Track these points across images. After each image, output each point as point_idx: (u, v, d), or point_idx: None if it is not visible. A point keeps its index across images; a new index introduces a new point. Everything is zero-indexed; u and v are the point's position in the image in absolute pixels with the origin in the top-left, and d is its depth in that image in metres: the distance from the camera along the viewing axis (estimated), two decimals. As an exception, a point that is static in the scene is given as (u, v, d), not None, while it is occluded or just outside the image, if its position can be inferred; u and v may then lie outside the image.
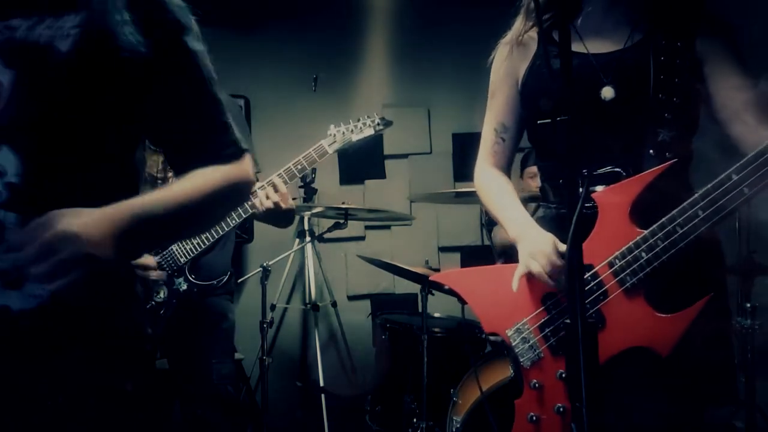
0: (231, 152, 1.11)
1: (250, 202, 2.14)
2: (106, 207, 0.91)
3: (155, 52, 0.99)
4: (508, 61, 1.61)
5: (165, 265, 2.17)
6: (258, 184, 2.15)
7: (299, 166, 2.19)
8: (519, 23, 1.60)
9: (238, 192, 1.14)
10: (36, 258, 0.83)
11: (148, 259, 2.12)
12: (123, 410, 0.99)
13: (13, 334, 0.90)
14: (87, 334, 0.96)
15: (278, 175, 2.15)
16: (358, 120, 2.35)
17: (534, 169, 3.21)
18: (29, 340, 0.92)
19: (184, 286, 2.19)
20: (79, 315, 0.93)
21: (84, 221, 0.87)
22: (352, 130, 2.32)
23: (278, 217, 2.14)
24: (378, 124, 2.36)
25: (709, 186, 1.28)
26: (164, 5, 1.03)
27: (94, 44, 0.94)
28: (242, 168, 1.13)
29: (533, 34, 1.58)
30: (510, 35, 1.62)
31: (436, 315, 3.20)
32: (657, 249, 1.33)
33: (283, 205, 2.10)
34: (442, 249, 4.28)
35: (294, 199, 2.16)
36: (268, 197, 2.10)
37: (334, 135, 2.29)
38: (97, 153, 0.99)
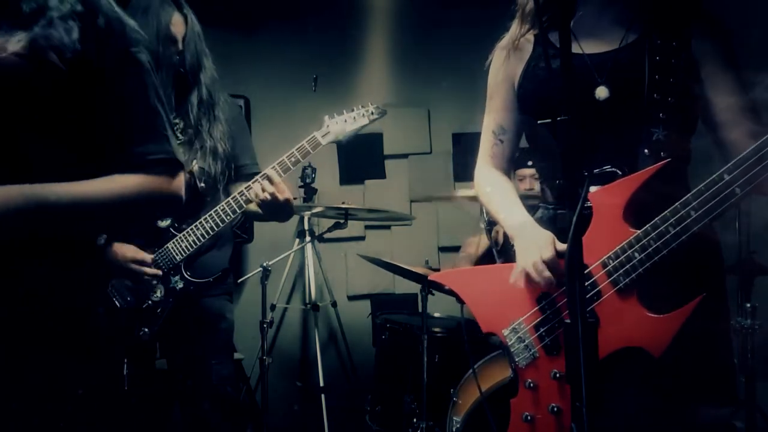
0: (161, 162, 1.14)
1: (244, 198, 2.14)
2: (4, 186, 0.97)
3: (100, 59, 1.05)
4: (505, 64, 1.62)
5: (161, 263, 2.17)
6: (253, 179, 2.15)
7: (293, 159, 2.17)
8: (515, 27, 1.61)
9: (151, 202, 1.16)
10: None
11: (144, 255, 2.13)
12: (71, 414, 1.01)
13: None
14: (44, 335, 0.99)
15: (272, 167, 2.15)
16: (352, 110, 2.31)
17: (524, 171, 3.22)
18: None
19: (181, 284, 2.19)
20: (37, 316, 0.97)
21: None
22: (345, 120, 2.28)
23: (276, 210, 2.12)
24: (372, 113, 2.32)
25: (701, 186, 1.28)
26: (111, 21, 1.08)
27: (41, 48, 1.00)
28: (167, 181, 1.15)
29: (529, 36, 1.59)
30: (506, 39, 1.63)
31: (436, 315, 3.20)
32: (650, 249, 1.33)
33: (279, 197, 2.08)
34: (442, 249, 4.28)
35: (294, 198, 2.15)
36: (264, 189, 2.08)
37: (328, 126, 2.26)
38: (40, 164, 1.05)
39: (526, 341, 1.49)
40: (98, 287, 1.14)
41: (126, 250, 2.11)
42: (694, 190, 1.29)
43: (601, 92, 1.43)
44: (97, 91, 1.06)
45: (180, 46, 2.14)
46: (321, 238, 3.75)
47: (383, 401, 3.04)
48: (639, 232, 1.35)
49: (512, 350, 1.50)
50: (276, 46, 4.28)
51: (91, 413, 1.04)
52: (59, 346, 1.00)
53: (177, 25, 2.14)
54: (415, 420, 2.76)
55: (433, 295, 2.92)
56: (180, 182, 1.18)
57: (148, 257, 2.13)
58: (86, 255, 1.14)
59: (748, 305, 2.74)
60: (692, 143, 1.49)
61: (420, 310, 2.87)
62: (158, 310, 2.18)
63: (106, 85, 1.07)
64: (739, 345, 2.73)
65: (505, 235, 3.30)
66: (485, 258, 3.56)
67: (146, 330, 2.15)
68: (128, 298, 2.17)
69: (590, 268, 1.40)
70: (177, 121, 2.21)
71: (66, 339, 1.02)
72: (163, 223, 2.19)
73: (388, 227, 4.32)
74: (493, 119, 1.68)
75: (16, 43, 0.99)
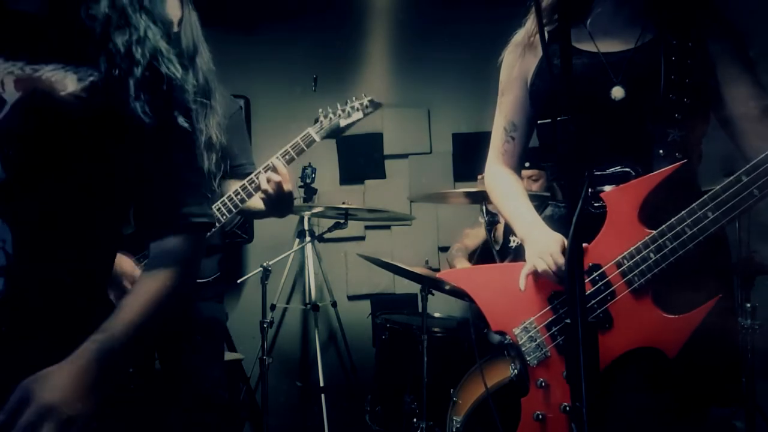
0: (204, 226, 1.16)
1: (239, 197, 2.12)
2: (72, 360, 0.94)
3: (157, 126, 1.04)
4: (519, 61, 1.61)
5: None
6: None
7: (287, 157, 2.15)
8: (530, 23, 1.59)
9: (192, 268, 1.17)
10: None
11: (130, 265, 2.07)
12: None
13: None
14: (50, 337, 1.00)
15: (276, 157, 2.11)
16: (346, 103, 2.25)
17: (528, 171, 3.22)
18: None
19: None
20: (44, 319, 0.98)
21: (57, 386, 0.91)
22: (339, 115, 2.22)
23: (279, 202, 2.08)
24: (367, 107, 2.25)
25: (718, 188, 1.28)
26: (173, 83, 1.08)
27: (102, 96, 1.00)
28: (201, 241, 1.16)
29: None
30: (521, 35, 1.62)
31: (436, 315, 3.20)
32: (665, 250, 1.33)
33: (285, 187, 2.03)
34: (442, 249, 4.28)
35: (294, 198, 2.14)
36: (269, 180, 2.05)
37: (321, 122, 2.20)
38: (87, 216, 1.05)
39: (538, 340, 1.49)
40: (106, 287, 1.15)
41: (125, 265, 2.06)
42: (711, 192, 1.29)
43: (617, 92, 1.42)
44: (147, 148, 1.06)
45: (176, 28, 2.10)
46: (321, 238, 3.75)
47: (383, 401, 3.04)
48: (655, 232, 1.35)
49: (523, 349, 1.50)
50: (276, 46, 4.28)
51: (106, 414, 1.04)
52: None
53: (173, 7, 2.08)
54: (415, 420, 2.76)
55: (433, 295, 2.92)
56: (200, 241, 1.19)
57: (136, 271, 2.07)
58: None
59: (748, 305, 2.74)
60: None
61: (420, 310, 2.87)
62: None
63: (158, 144, 1.07)
64: (739, 345, 2.72)
65: (505, 234, 3.32)
66: (481, 251, 3.57)
67: None
68: None
69: (604, 267, 1.41)
70: None
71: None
72: None
73: (388, 227, 4.32)
74: (505, 116, 1.67)
75: (76, 82, 0.99)
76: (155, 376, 2.32)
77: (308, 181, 3.82)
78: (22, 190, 0.97)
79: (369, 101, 2.27)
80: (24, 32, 1.01)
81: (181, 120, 1.07)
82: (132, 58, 1.02)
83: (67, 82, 0.99)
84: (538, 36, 1.57)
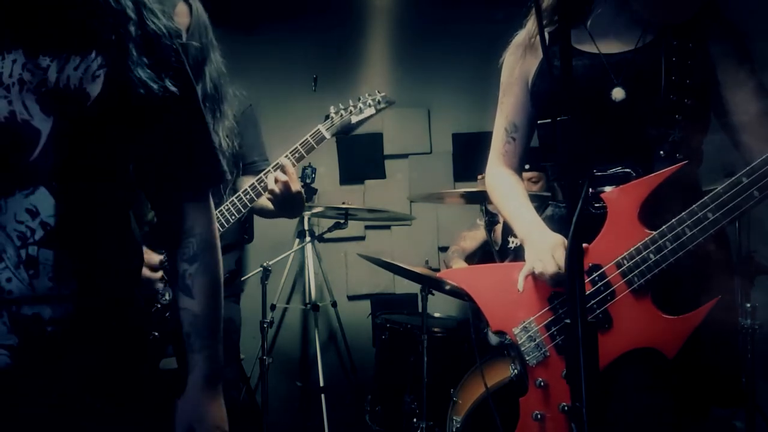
0: (216, 176, 1.19)
1: (248, 197, 2.11)
2: (205, 393, 1.13)
3: (165, 91, 1.05)
4: (520, 62, 1.61)
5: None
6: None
7: (297, 155, 2.12)
8: (531, 24, 1.59)
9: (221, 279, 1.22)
10: None
11: (153, 257, 2.09)
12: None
13: (42, 339, 0.95)
14: (94, 337, 1.01)
15: (285, 156, 2.08)
16: (359, 99, 2.20)
17: (528, 173, 3.22)
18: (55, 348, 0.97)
19: None
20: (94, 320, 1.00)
21: (214, 415, 1.12)
22: (351, 111, 2.17)
23: (288, 202, 2.05)
24: (379, 102, 2.19)
25: (719, 188, 1.28)
26: (177, 53, 1.09)
27: (117, 84, 0.99)
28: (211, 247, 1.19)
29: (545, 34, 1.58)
30: (522, 36, 1.62)
31: (436, 315, 3.21)
32: (665, 251, 1.33)
33: (293, 187, 2.01)
34: (442, 249, 4.28)
35: (304, 197, 2.12)
36: (277, 180, 2.02)
37: (332, 118, 2.16)
38: (115, 187, 1.06)
39: (537, 340, 1.49)
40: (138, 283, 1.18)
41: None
42: (712, 193, 1.29)
43: (618, 93, 1.43)
44: (158, 117, 1.07)
45: (184, 37, 2.08)
46: (321, 238, 3.75)
47: (383, 401, 3.04)
48: (655, 233, 1.35)
49: (522, 349, 1.50)
50: (276, 46, 4.28)
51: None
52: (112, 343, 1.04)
53: (181, 15, 2.07)
54: (415, 420, 2.76)
55: (433, 295, 2.92)
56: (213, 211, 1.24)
57: (156, 258, 2.08)
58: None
59: (748, 305, 2.74)
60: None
61: (420, 310, 2.87)
62: (167, 314, 2.16)
63: (174, 114, 1.08)
64: (739, 345, 2.72)
65: (503, 235, 3.32)
66: (479, 253, 3.57)
67: (156, 334, 2.12)
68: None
69: (604, 268, 1.41)
70: None
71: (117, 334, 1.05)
72: None
73: (388, 227, 4.32)
74: (506, 117, 1.67)
75: (91, 80, 0.97)
76: (161, 376, 2.32)
77: (308, 181, 3.81)
78: (73, 218, 0.97)
79: (382, 97, 2.22)
80: (14, 17, 0.96)
81: (169, 83, 1.06)
82: (124, 15, 1.01)
83: (87, 86, 0.97)
84: (538, 37, 1.57)
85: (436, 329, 2.93)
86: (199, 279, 1.14)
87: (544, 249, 1.44)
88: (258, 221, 3.81)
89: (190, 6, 2.10)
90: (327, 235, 3.54)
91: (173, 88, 1.05)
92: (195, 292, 1.14)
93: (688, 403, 1.39)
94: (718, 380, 1.42)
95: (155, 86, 1.02)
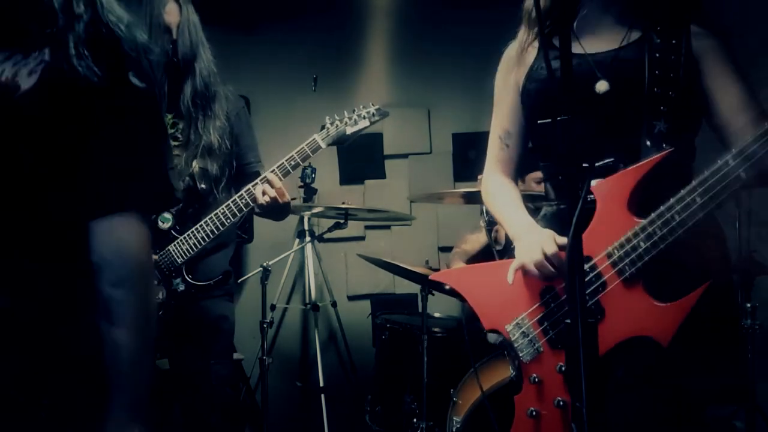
0: (163, 192, 1.12)
1: (244, 201, 2.13)
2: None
3: (106, 83, 1.00)
4: (513, 71, 1.64)
5: (162, 265, 2.16)
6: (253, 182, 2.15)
7: (293, 162, 2.16)
8: (522, 34, 1.62)
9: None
10: None
11: None
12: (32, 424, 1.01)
13: None
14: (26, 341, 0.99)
15: (272, 171, 2.15)
16: (353, 111, 2.26)
17: (536, 174, 3.21)
18: None
19: (182, 287, 2.17)
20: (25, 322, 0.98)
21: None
22: (346, 123, 2.23)
23: (275, 211, 2.15)
24: (374, 115, 2.26)
25: (706, 173, 1.29)
26: (119, 44, 1.04)
27: (56, 77, 0.97)
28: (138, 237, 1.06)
29: (535, 44, 1.60)
30: (514, 47, 1.64)
31: (436, 315, 3.20)
32: (655, 238, 1.33)
33: (280, 200, 2.09)
34: (442, 249, 4.28)
35: (293, 198, 2.16)
36: (264, 193, 2.09)
37: (328, 129, 2.22)
38: (49, 184, 1.01)
39: (530, 336, 1.49)
40: None
41: None
42: (699, 177, 1.30)
43: (601, 86, 1.44)
44: (100, 111, 1.01)
45: (174, 35, 2.11)
46: (321, 238, 3.75)
47: (383, 401, 3.04)
48: (644, 221, 1.35)
49: (516, 345, 1.50)
50: (276, 46, 4.28)
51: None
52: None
53: (171, 14, 2.10)
54: (415, 420, 2.76)
55: (433, 295, 2.92)
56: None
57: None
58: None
59: (748, 305, 2.74)
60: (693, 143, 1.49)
61: (420, 310, 2.87)
62: (159, 313, 2.17)
63: (112, 105, 1.02)
64: (739, 336, 2.72)
65: (506, 234, 3.31)
66: (481, 256, 3.57)
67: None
68: None
69: (595, 259, 1.41)
70: (169, 115, 2.19)
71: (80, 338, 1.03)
72: (164, 225, 2.17)
73: (388, 227, 4.32)
74: (499, 124, 1.70)
75: (27, 77, 0.95)
76: (162, 374, 2.33)
77: (308, 181, 3.81)
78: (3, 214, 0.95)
79: (376, 110, 2.28)
80: None
81: (134, 79, 1.01)
82: (72, 14, 0.99)
83: (19, 80, 0.95)
84: (529, 47, 1.60)
85: (436, 329, 2.93)
86: (125, 307, 1.01)
87: (534, 241, 1.45)
88: (258, 221, 3.81)
89: (180, 5, 2.12)
90: (327, 235, 3.54)
91: (126, 85, 1.01)
92: (118, 320, 1.00)
93: (686, 401, 1.39)
94: (718, 375, 1.42)
95: (96, 80, 0.98)
